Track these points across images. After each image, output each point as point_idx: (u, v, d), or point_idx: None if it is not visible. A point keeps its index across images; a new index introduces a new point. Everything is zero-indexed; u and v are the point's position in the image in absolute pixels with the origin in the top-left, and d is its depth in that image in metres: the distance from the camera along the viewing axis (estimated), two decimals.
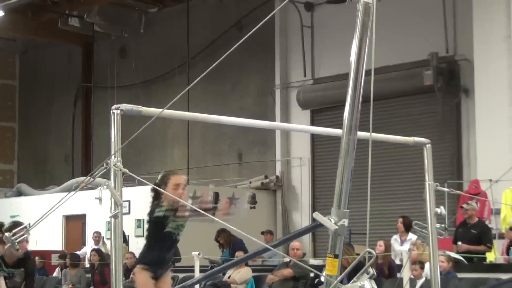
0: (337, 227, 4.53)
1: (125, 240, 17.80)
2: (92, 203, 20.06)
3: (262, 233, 17.97)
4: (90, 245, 19.88)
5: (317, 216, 4.60)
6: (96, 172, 5.48)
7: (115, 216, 5.54)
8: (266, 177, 21.31)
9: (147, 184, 6.59)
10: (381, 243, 13.52)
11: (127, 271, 17.08)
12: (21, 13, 23.46)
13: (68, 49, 27.21)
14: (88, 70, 26.90)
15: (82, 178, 22.81)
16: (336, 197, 4.59)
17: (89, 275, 18.16)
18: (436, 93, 17.82)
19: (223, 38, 22.45)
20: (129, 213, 18.82)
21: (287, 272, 14.18)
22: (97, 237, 19.49)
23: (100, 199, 20.03)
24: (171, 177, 7.49)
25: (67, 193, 17.57)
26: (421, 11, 18.62)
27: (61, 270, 18.44)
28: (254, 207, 20.83)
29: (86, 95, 26.89)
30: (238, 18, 22.34)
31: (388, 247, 13.37)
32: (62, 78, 27.61)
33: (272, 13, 5.48)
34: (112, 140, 5.48)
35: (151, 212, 7.36)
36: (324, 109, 20.08)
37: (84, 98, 26.94)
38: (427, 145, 7.19)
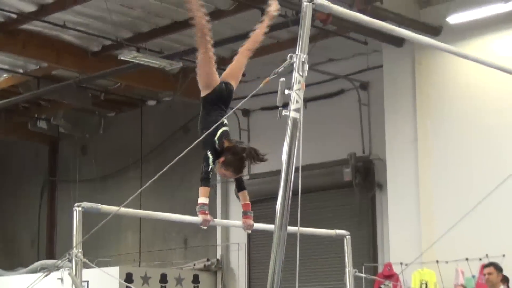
0: None
1: None
2: (55, 284, 19.63)
3: None
4: None
5: None
6: (60, 262, 5.45)
7: None
8: (208, 260, 21.16)
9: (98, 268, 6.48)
10: None
11: None
12: None
13: (36, 147, 27.01)
14: (53, 165, 26.73)
15: (46, 261, 22.40)
16: (269, 286, 4.59)
17: None
18: (354, 187, 17.98)
19: (172, 138, 22.50)
20: None
21: None
22: None
23: (62, 279, 19.62)
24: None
25: (33, 273, 17.21)
26: (341, 118, 18.91)
27: None
28: (197, 287, 20.65)
29: (51, 187, 26.63)
30: (185, 121, 22.43)
31: None
32: (30, 172, 27.32)
33: (214, 127, 5.53)
34: (74, 233, 5.47)
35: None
36: (258, 201, 20.04)
37: (49, 190, 26.66)
38: (347, 237, 7.26)
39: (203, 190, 6.97)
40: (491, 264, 10.59)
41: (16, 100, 21.50)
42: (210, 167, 6.73)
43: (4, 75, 20.58)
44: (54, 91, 20.72)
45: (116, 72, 18.69)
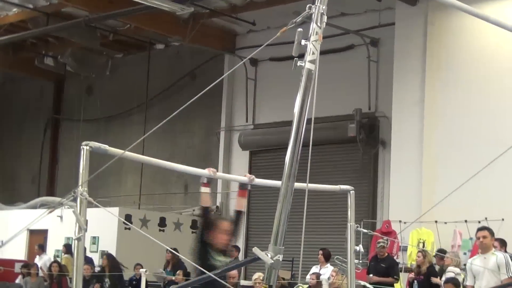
0: (272, 261, 4.50)
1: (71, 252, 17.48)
2: (54, 220, 19.73)
3: None
4: (44, 257, 19.53)
5: (256, 251, 4.58)
6: (65, 199, 5.43)
7: (78, 239, 5.49)
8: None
9: (102, 207, 6.50)
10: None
11: (84, 281, 16.83)
12: (2, 50, 23.25)
13: (42, 84, 26.94)
14: (58, 104, 26.71)
15: (46, 198, 22.49)
16: (273, 235, 4.56)
17: (46, 283, 17.90)
18: (357, 143, 17.97)
19: (178, 84, 22.45)
20: (86, 230, 18.50)
21: None
22: (38, 250, 19.49)
23: (61, 217, 19.74)
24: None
25: (32, 209, 17.22)
26: (349, 74, 18.84)
27: (23, 277, 18.18)
28: (195, 232, 20.74)
29: (54, 126, 26.64)
30: (192, 68, 22.38)
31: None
32: (34, 109, 27.31)
33: (223, 76, 5.49)
34: (81, 172, 5.43)
35: None
36: (261, 151, 20.15)
37: (53, 128, 26.67)
38: (350, 192, 7.23)
39: None
40: (485, 228, 10.60)
41: (25, 36, 21.40)
42: None
43: (14, 10, 20.44)
44: (63, 29, 20.61)
45: (126, 13, 18.54)
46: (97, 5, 18.74)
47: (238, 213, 7.53)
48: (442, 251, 14.28)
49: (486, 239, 10.28)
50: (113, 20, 20.36)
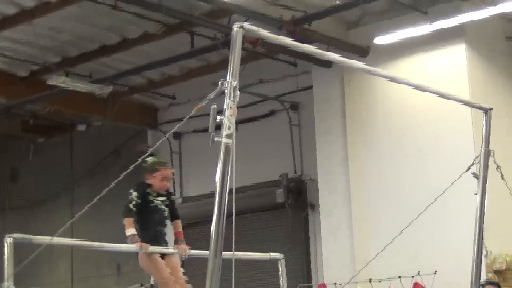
0: None
1: None
2: None
3: None
4: None
5: None
6: None
7: None
8: (141, 285, 20.85)
9: None
10: None
11: None
12: None
13: None
14: None
15: None
16: None
17: None
18: (287, 208, 18.07)
19: (103, 164, 22.28)
20: None
21: None
22: None
23: None
24: (161, 169, 7.63)
25: None
26: (273, 139, 18.99)
27: None
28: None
29: None
30: (115, 146, 22.26)
31: None
32: None
33: (148, 153, 5.51)
34: (5, 266, 5.36)
35: (138, 189, 7.30)
36: (192, 224, 20.00)
37: None
38: (281, 260, 7.28)
39: (127, 221, 7.38)
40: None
41: None
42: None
43: None
44: None
45: (45, 97, 18.46)
46: (15, 91, 18.60)
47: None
48: None
49: None
50: (32, 105, 20.22)
